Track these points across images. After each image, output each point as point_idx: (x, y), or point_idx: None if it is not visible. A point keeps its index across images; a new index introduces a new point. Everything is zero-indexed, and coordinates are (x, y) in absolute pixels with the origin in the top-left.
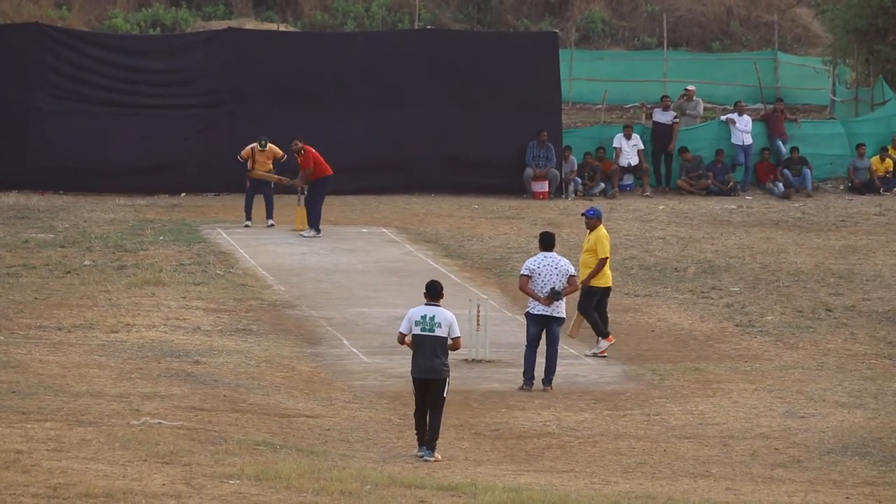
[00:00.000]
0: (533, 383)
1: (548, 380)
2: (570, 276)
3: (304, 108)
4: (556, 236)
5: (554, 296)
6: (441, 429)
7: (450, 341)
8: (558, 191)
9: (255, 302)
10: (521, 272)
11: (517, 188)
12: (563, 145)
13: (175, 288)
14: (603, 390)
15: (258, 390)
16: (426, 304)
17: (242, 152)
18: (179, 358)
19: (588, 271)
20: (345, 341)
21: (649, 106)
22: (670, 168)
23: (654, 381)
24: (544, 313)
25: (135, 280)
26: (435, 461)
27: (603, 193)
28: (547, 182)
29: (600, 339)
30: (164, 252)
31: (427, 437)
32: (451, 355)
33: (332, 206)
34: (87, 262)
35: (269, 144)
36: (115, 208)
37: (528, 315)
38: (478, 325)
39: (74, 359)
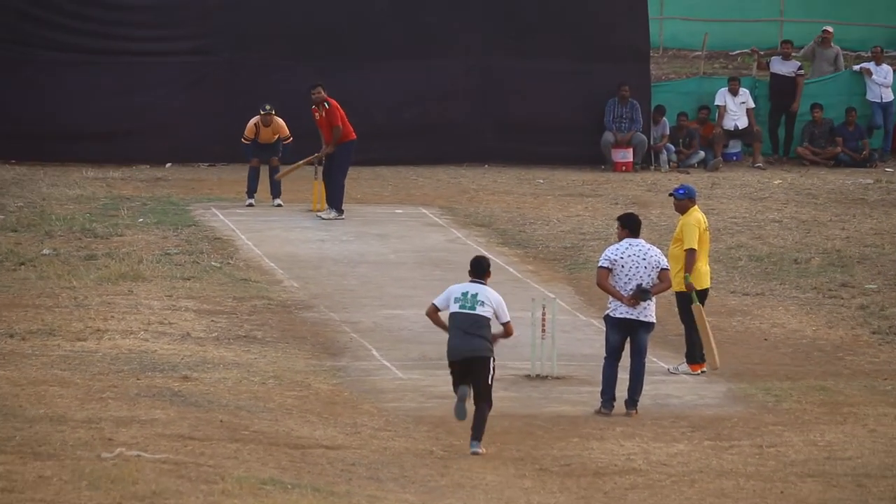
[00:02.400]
0: (613, 405)
1: (632, 401)
2: (662, 269)
3: (322, 56)
4: (640, 220)
5: (641, 295)
6: (498, 462)
7: (500, 327)
8: (646, 161)
9: (259, 302)
10: (600, 264)
11: (593, 158)
12: (653, 104)
13: (158, 284)
14: (702, 415)
15: (264, 414)
16: (470, 282)
17: (247, 131)
18: (164, 373)
19: (679, 268)
20: (374, 352)
21: (763, 53)
22: (791, 132)
23: (768, 404)
24: (628, 316)
25: (107, 274)
26: (483, 453)
27: (703, 164)
28: (631, 150)
29: (686, 361)
30: (144, 238)
31: (472, 429)
32: (507, 370)
33: (357, 179)
34: (46, 251)
35: (275, 117)
36: (82, 182)
37: (607, 319)
38: (543, 331)
39: (30, 374)
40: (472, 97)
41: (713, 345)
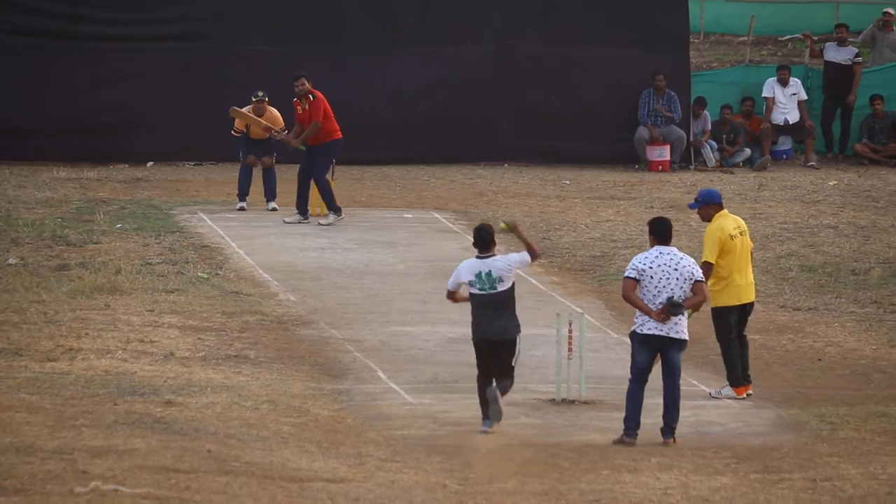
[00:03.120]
0: (637, 434)
1: (668, 429)
2: (697, 281)
3: (323, 42)
4: (671, 224)
5: (672, 309)
6: (519, 497)
7: (524, 266)
8: (685, 159)
9: (252, 317)
10: (626, 274)
11: (626, 156)
12: (692, 95)
13: (139, 297)
14: (748, 444)
15: (257, 443)
16: (477, 258)
17: (236, 122)
18: (144, 397)
19: (710, 282)
20: (380, 374)
21: (816, 38)
22: (848, 127)
23: (823, 432)
24: (657, 332)
25: (81, 286)
26: (492, 432)
27: (749, 163)
28: (668, 147)
29: (729, 384)
30: (122, 246)
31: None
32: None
33: (362, 180)
34: (11, 261)
35: (269, 106)
36: (53, 183)
37: (633, 336)
38: (569, 350)
39: None
40: (491, 88)
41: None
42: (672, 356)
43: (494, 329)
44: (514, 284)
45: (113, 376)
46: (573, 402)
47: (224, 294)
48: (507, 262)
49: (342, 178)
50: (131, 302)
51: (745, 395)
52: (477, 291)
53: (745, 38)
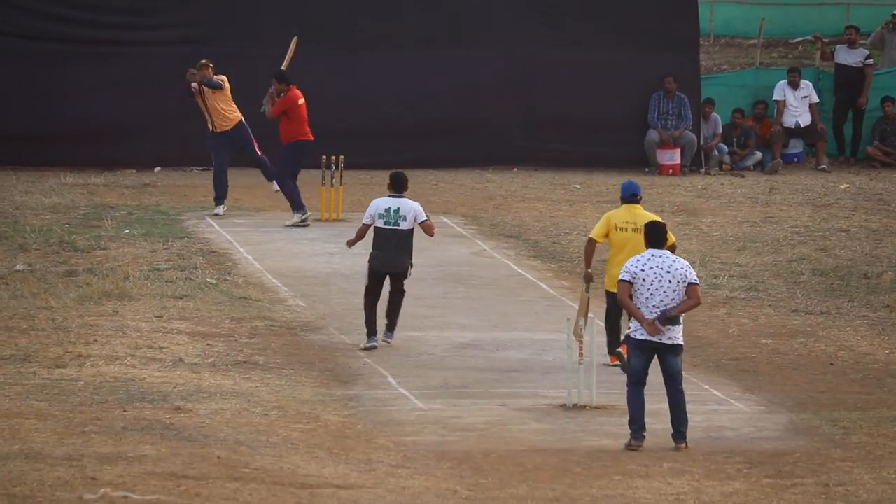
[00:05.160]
0: (643, 436)
1: (678, 434)
2: (690, 284)
3: (330, 44)
4: (664, 228)
5: (665, 322)
6: (531, 503)
7: (421, 227)
8: (695, 162)
9: (261, 323)
10: (620, 277)
11: (636, 159)
12: (703, 98)
13: (147, 303)
14: (761, 449)
15: (266, 449)
16: (389, 196)
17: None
18: (154, 403)
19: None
20: (390, 379)
21: (827, 40)
22: (859, 130)
23: (835, 437)
24: (649, 339)
25: (89, 292)
26: (392, 343)
27: (760, 166)
28: (679, 150)
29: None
30: (130, 251)
31: (388, 318)
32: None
33: (370, 184)
34: (19, 267)
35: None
36: (61, 189)
37: (627, 339)
38: (580, 355)
39: (2, 405)
40: (500, 91)
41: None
42: (669, 362)
43: (392, 261)
44: (413, 230)
45: (122, 382)
46: (584, 407)
47: (233, 300)
48: (414, 207)
49: (350, 182)
50: (140, 308)
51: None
52: (382, 225)
53: (756, 41)
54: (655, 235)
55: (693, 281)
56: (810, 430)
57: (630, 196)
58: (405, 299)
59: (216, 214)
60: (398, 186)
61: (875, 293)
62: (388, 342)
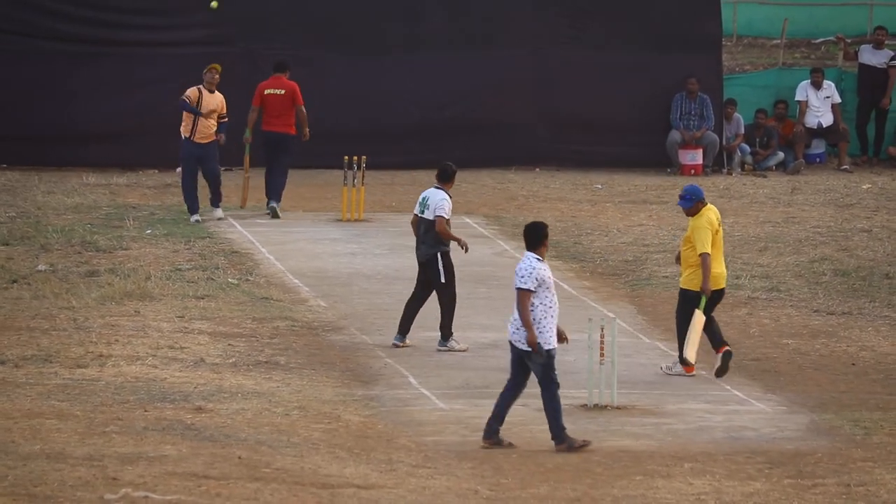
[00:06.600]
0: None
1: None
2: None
3: (353, 45)
4: (543, 230)
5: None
6: (552, 503)
7: (435, 212)
8: (718, 163)
9: (282, 323)
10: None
11: (658, 160)
12: (725, 98)
13: (168, 303)
14: (782, 449)
15: (288, 449)
16: (434, 187)
17: (189, 92)
18: (175, 403)
19: (689, 270)
20: (411, 379)
21: (850, 40)
22: (882, 130)
23: (857, 437)
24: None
25: (111, 292)
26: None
27: (782, 167)
28: (701, 151)
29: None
30: (152, 251)
31: (439, 327)
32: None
33: (392, 185)
34: (41, 267)
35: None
36: (82, 189)
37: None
38: (601, 355)
39: (23, 405)
40: (522, 92)
41: (697, 345)
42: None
43: (419, 248)
44: (433, 223)
45: (143, 382)
46: (605, 407)
47: (254, 300)
48: (437, 199)
49: (372, 183)
50: (161, 308)
51: (690, 373)
52: (417, 212)
53: (778, 41)
54: (529, 238)
55: (516, 285)
56: (832, 431)
57: (703, 197)
58: (434, 300)
59: (196, 222)
60: (439, 176)
61: None
62: (441, 350)
